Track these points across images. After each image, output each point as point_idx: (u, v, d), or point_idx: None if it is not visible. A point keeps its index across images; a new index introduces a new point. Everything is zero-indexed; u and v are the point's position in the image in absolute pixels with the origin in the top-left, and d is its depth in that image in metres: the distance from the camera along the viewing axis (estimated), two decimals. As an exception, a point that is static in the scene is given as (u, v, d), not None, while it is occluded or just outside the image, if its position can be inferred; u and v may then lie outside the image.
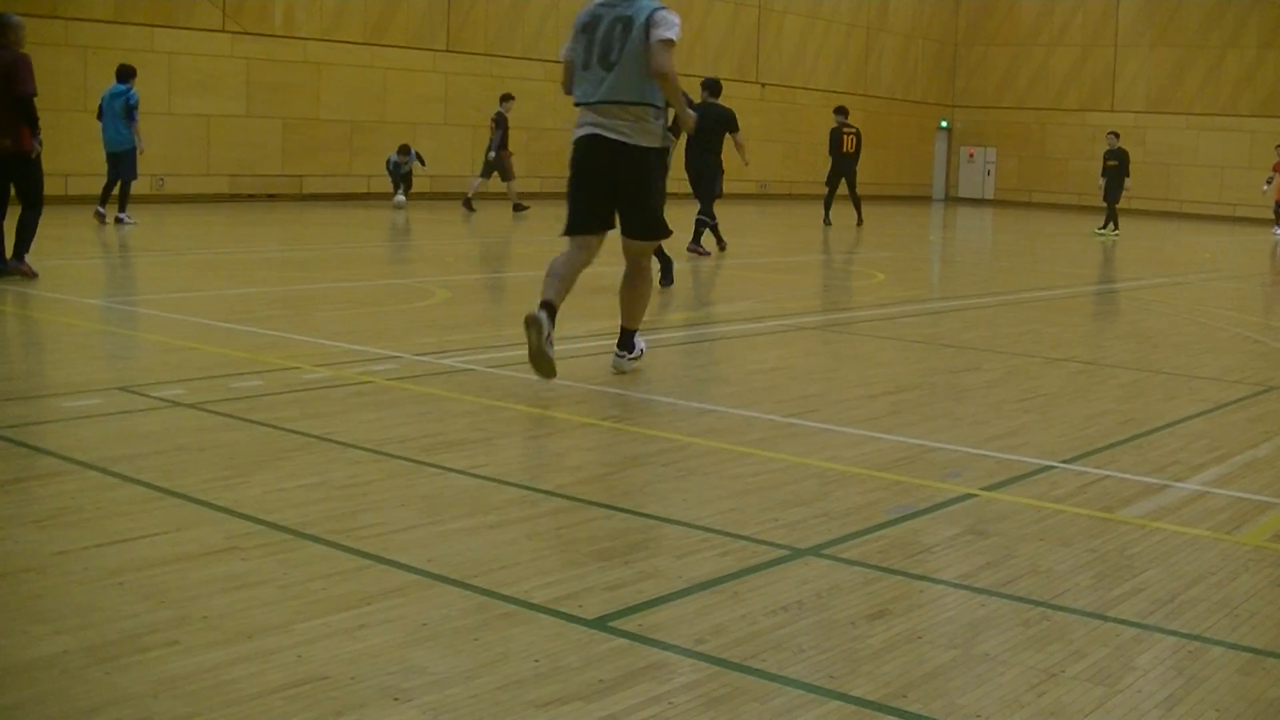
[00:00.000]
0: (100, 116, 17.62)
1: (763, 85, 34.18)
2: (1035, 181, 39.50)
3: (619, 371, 7.45)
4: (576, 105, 7.14)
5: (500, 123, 23.02)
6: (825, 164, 26.11)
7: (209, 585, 3.77)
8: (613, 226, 7.33)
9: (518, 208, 23.28)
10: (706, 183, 15.91)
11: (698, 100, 16.12)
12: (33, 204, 10.76)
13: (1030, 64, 39.69)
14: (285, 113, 23.68)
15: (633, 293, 7.46)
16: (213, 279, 11.87)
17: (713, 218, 16.08)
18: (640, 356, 7.57)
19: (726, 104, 16.12)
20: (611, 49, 6.90)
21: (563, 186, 7.59)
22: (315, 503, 4.65)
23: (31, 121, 10.71)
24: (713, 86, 16.25)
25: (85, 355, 7.83)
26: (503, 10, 27.04)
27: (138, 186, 18.76)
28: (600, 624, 3.59)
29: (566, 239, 7.27)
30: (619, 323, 7.54)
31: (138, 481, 4.83)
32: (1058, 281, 15.50)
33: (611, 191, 7.14)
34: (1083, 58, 38.71)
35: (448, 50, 25.76)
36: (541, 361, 6.72)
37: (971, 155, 40.83)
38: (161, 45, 21.70)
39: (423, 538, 4.30)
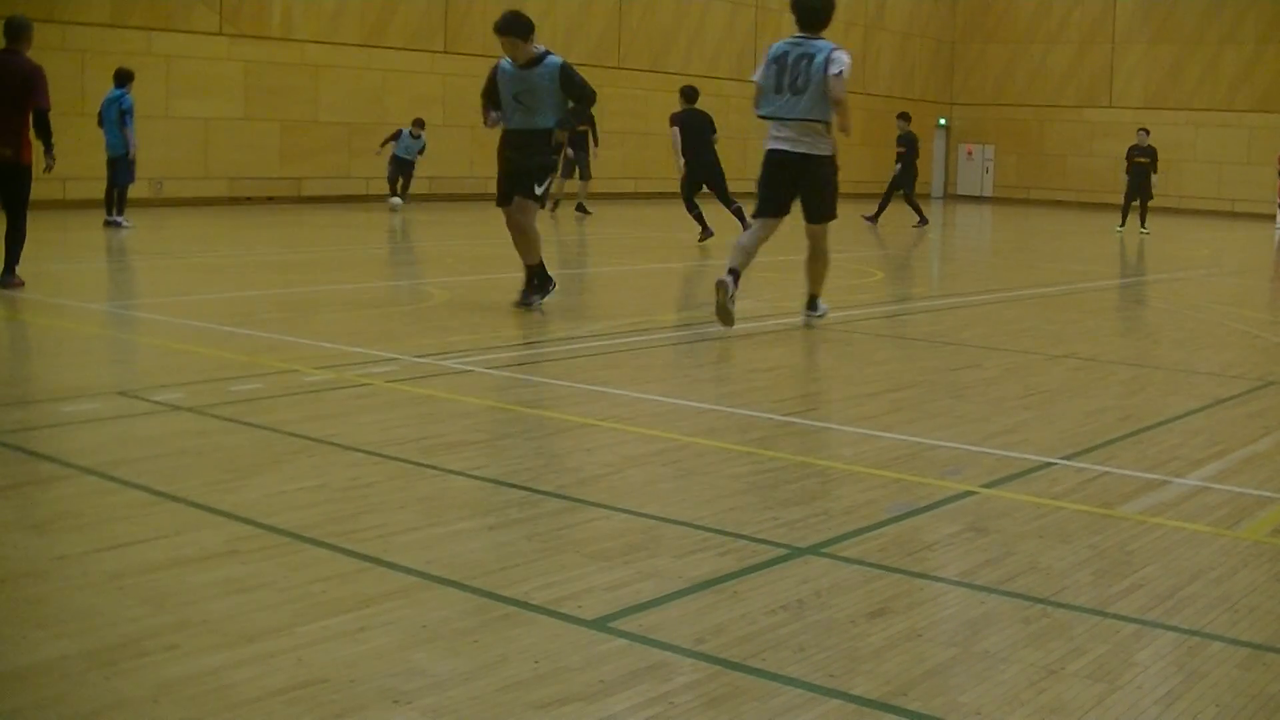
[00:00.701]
0: (101, 123, 17.66)
1: (761, 84, 34.16)
2: (1034, 179, 39.49)
3: (807, 326, 9.43)
4: (764, 118, 9.19)
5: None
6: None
7: (209, 589, 3.77)
8: (788, 213, 9.44)
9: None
10: (719, 178, 17.53)
11: (679, 108, 18.14)
12: (22, 214, 10.71)
13: (1028, 61, 39.68)
14: (283, 115, 23.67)
15: (814, 265, 9.65)
16: (212, 282, 11.87)
17: (733, 203, 17.49)
18: (825, 315, 9.60)
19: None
20: (798, 78, 8.95)
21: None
22: (315, 505, 4.65)
23: (47, 136, 10.69)
24: (690, 94, 18.19)
25: (84, 359, 7.83)
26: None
27: (136, 190, 18.78)
28: (600, 624, 3.59)
29: (755, 219, 9.45)
30: (806, 290, 9.75)
31: (137, 486, 4.83)
32: (1057, 278, 15.50)
33: (793, 188, 9.27)
34: (1080, 54, 38.70)
35: (445, 52, 25.77)
36: (724, 315, 8.93)
37: (970, 153, 40.83)
38: (159, 49, 21.69)
39: (423, 540, 4.30)
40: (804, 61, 8.95)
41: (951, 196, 40.86)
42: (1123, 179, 25.25)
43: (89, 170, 19.46)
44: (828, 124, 9.04)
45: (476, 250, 16.91)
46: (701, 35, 32.15)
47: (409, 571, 3.97)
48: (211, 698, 3.06)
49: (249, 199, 23.08)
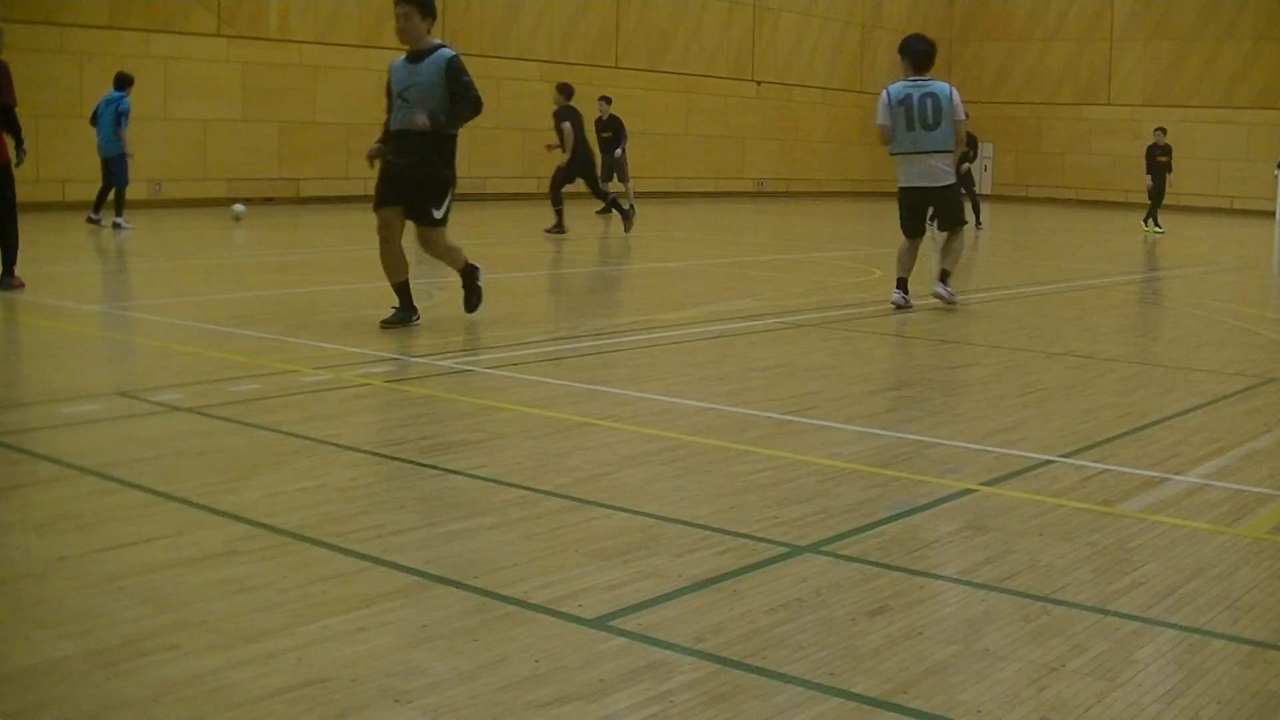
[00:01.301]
0: (94, 122, 17.68)
1: (759, 83, 34.18)
2: (1032, 176, 39.49)
3: (936, 297, 11.07)
4: (897, 154, 10.78)
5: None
6: (828, 162, 26.17)
7: (209, 589, 3.77)
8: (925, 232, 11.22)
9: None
10: (593, 170, 19.25)
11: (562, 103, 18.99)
12: (12, 214, 10.67)
13: (1026, 58, 39.68)
14: (281, 116, 23.67)
15: (951, 251, 11.21)
16: (210, 283, 11.87)
17: (608, 195, 19.34)
18: (955, 301, 11.15)
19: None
20: (928, 116, 10.59)
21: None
22: (315, 505, 4.65)
23: (15, 132, 10.65)
24: (569, 91, 19.13)
25: (83, 361, 7.83)
26: (498, 11, 27.05)
27: (134, 191, 18.83)
28: (600, 623, 3.59)
29: (907, 238, 11.06)
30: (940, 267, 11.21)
31: (137, 486, 4.83)
32: (1055, 276, 15.51)
33: (926, 211, 11.09)
34: (1078, 51, 38.70)
35: (443, 51, 25.75)
36: (903, 311, 10.74)
37: (970, 150, 40.81)
38: (157, 50, 21.69)
39: (422, 539, 4.30)
40: (929, 100, 10.58)
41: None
42: (1128, 176, 25.15)
43: (87, 172, 19.47)
44: (952, 153, 10.80)
45: (475, 250, 16.89)
46: (699, 34, 32.15)
47: (409, 571, 3.97)
48: (212, 698, 3.06)
49: (247, 200, 23.08)
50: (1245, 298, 14.09)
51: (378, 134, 9.28)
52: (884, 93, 10.81)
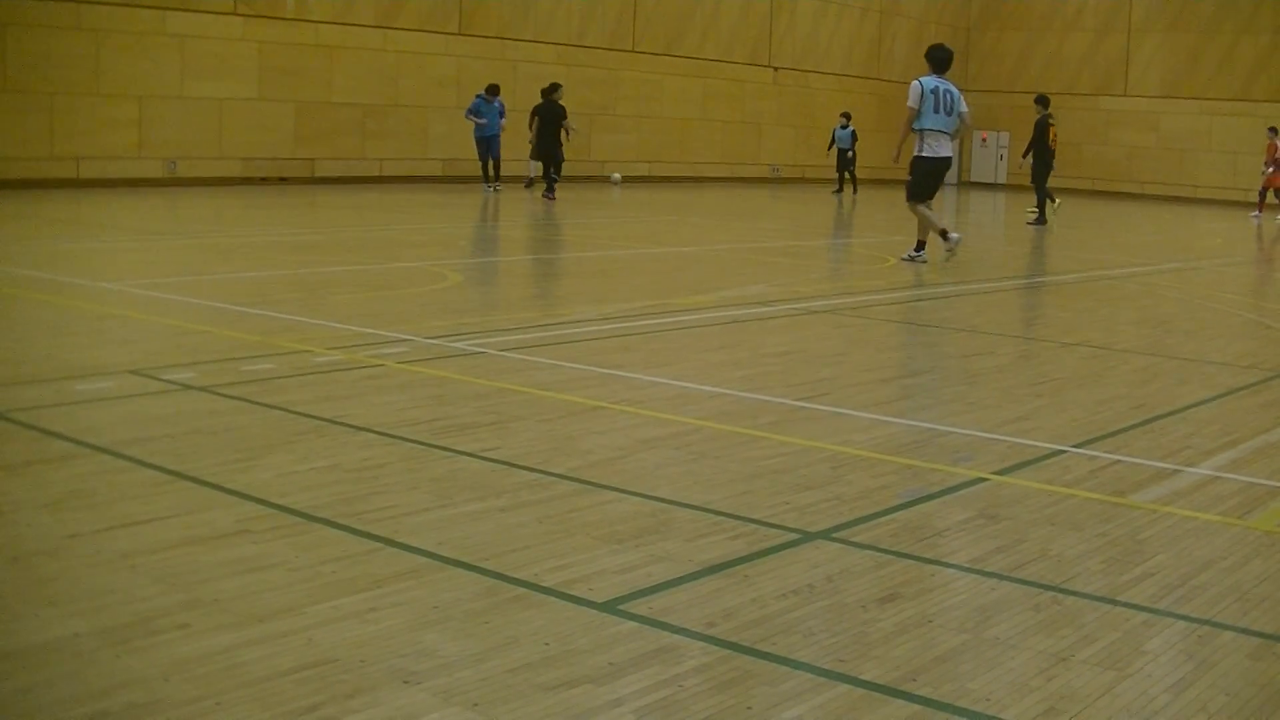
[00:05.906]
0: (478, 114, 22.71)
1: (775, 69, 34.09)
2: (1048, 166, 39.29)
3: (949, 252, 13.99)
4: (928, 130, 13.64)
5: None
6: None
7: (220, 568, 3.78)
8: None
9: (529, 183, 24.87)
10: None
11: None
12: None
13: (1044, 49, 39.52)
14: (297, 96, 23.65)
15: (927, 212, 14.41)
16: (225, 262, 11.88)
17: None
18: (921, 258, 14.13)
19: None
20: (949, 105, 13.67)
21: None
22: (326, 486, 4.66)
23: None
24: (549, 90, 22.45)
25: (97, 339, 7.85)
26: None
27: (149, 169, 18.91)
28: (610, 607, 3.59)
29: (926, 203, 14.08)
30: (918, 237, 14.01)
31: (150, 465, 4.84)
32: (1070, 266, 15.46)
33: (942, 176, 14.21)
34: (1096, 42, 38.53)
35: (460, 34, 25.72)
36: (951, 255, 14.10)
37: (984, 139, 40.68)
38: (173, 28, 21.68)
39: (434, 521, 4.30)
40: (949, 95, 13.73)
41: (965, 183, 40.77)
42: (1144, 167, 24.81)
43: (102, 149, 19.52)
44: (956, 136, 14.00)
45: (489, 232, 16.92)
46: (717, 20, 32.06)
47: (420, 552, 3.98)
48: (222, 676, 3.07)
49: (263, 179, 23.10)
50: (1260, 291, 14.04)
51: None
52: (917, 83, 13.71)
